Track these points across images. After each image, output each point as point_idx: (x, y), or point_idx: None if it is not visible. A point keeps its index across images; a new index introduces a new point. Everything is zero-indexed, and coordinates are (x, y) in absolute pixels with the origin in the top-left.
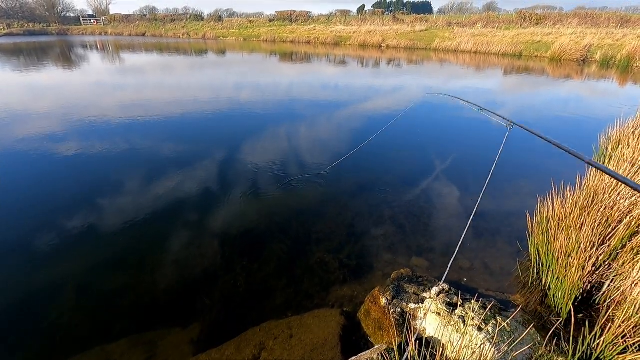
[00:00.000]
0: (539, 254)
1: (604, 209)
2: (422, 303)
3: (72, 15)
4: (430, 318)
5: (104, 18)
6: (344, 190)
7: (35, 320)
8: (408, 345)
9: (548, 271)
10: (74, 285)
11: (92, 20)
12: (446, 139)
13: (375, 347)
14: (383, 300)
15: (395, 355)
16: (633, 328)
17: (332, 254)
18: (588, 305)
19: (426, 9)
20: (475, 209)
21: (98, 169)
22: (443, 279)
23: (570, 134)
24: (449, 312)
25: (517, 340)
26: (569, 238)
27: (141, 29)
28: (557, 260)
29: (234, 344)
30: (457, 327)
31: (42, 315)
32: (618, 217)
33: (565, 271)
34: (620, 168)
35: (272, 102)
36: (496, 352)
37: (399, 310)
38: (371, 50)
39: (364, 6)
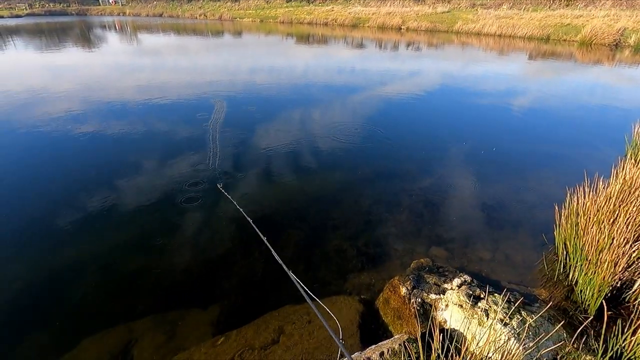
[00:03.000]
0: (566, 247)
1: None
2: (444, 294)
3: None
4: (452, 310)
5: None
6: (361, 177)
7: (59, 297)
8: (430, 336)
9: (576, 266)
10: (97, 265)
11: (111, 1)
12: (464, 129)
13: (396, 336)
14: (403, 290)
15: (418, 346)
16: None
17: (349, 241)
18: (617, 303)
19: None
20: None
21: (118, 150)
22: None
23: (599, 124)
24: (471, 305)
25: (545, 338)
26: (601, 232)
27: (158, 9)
28: (587, 255)
29: (252, 327)
30: (480, 320)
31: (67, 293)
32: None
33: (596, 267)
34: None
35: (287, 86)
36: (521, 348)
37: (420, 300)
38: (390, 32)
39: None
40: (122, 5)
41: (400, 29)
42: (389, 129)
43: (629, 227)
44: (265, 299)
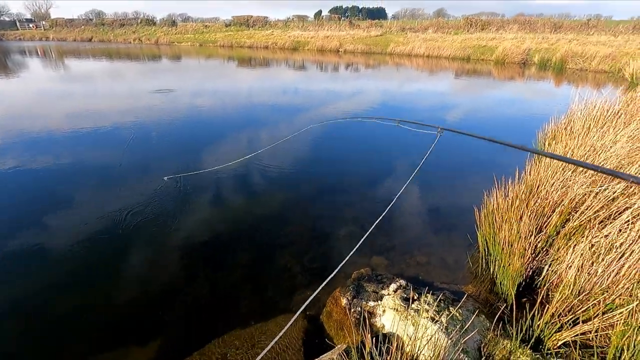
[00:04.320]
0: (487, 245)
1: (540, 200)
2: (381, 300)
3: (7, 19)
4: (389, 314)
5: (44, 22)
6: (307, 195)
7: None
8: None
9: (495, 260)
10: (20, 311)
11: (31, 25)
12: (399, 143)
13: (336, 347)
14: (344, 301)
15: (353, 354)
16: (567, 307)
17: (296, 259)
18: (531, 289)
19: (381, 14)
20: (392, 203)
21: (43, 184)
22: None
23: (514, 131)
24: (405, 307)
25: (466, 327)
26: (512, 228)
27: (87, 33)
28: (502, 249)
29: (193, 359)
30: (414, 321)
31: None
32: (551, 207)
33: (509, 259)
34: (558, 163)
35: (230, 107)
36: (448, 340)
37: (359, 309)
38: (329, 55)
39: (320, 11)
40: (44, 29)
41: (339, 51)
42: (330, 146)
43: (532, 221)
44: (210, 327)
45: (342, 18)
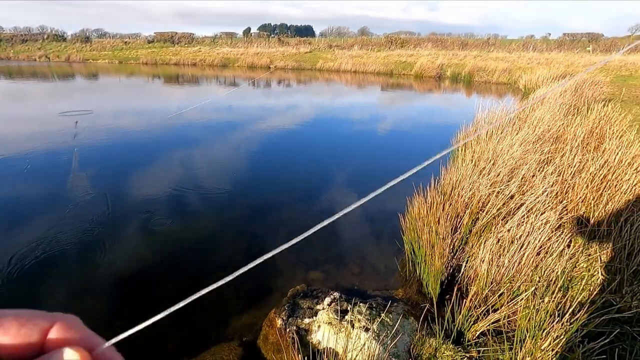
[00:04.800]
0: (412, 248)
1: (454, 203)
2: (316, 316)
3: None
4: (324, 329)
5: None
6: (238, 215)
7: None
8: None
9: (420, 263)
10: None
11: None
12: (334, 155)
13: None
14: (279, 322)
15: None
16: (481, 299)
17: (228, 284)
18: (452, 286)
19: (309, 32)
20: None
21: None
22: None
23: (435, 138)
24: (339, 320)
25: (394, 331)
26: (431, 231)
27: None
28: (425, 252)
29: None
30: (346, 332)
31: None
32: (463, 208)
33: (432, 260)
34: (467, 167)
35: (158, 127)
36: (379, 347)
37: (295, 328)
38: (260, 71)
39: (249, 28)
40: None
41: (269, 67)
42: (261, 165)
43: (448, 223)
44: None
45: (272, 35)
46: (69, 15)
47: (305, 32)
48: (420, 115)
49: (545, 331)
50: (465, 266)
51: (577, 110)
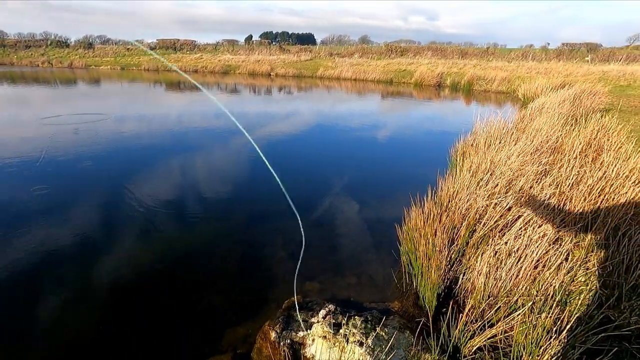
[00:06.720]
0: (409, 260)
1: (451, 214)
2: (311, 329)
3: None
4: (318, 343)
5: None
6: (233, 224)
7: None
8: None
9: (417, 275)
10: None
11: None
12: (333, 163)
13: None
14: (273, 335)
15: None
16: (478, 314)
17: (222, 295)
18: (449, 299)
19: (310, 40)
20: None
21: None
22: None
23: (436, 148)
24: (334, 334)
25: (389, 346)
26: (428, 243)
27: None
28: (422, 263)
29: None
30: (341, 347)
31: None
32: (460, 220)
33: (428, 272)
34: (465, 178)
35: (162, 133)
36: None
37: (289, 341)
38: (261, 78)
39: (251, 36)
40: None
41: (270, 75)
42: (255, 174)
43: (445, 234)
44: None
45: (273, 43)
46: (72, 22)
47: (306, 39)
48: (420, 124)
49: (543, 348)
50: (462, 279)
51: (576, 120)
